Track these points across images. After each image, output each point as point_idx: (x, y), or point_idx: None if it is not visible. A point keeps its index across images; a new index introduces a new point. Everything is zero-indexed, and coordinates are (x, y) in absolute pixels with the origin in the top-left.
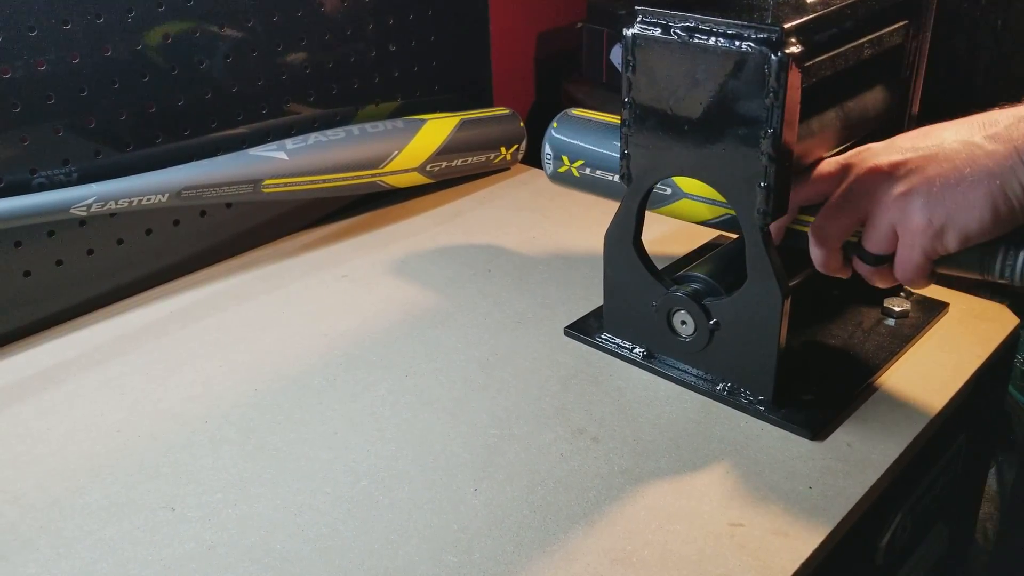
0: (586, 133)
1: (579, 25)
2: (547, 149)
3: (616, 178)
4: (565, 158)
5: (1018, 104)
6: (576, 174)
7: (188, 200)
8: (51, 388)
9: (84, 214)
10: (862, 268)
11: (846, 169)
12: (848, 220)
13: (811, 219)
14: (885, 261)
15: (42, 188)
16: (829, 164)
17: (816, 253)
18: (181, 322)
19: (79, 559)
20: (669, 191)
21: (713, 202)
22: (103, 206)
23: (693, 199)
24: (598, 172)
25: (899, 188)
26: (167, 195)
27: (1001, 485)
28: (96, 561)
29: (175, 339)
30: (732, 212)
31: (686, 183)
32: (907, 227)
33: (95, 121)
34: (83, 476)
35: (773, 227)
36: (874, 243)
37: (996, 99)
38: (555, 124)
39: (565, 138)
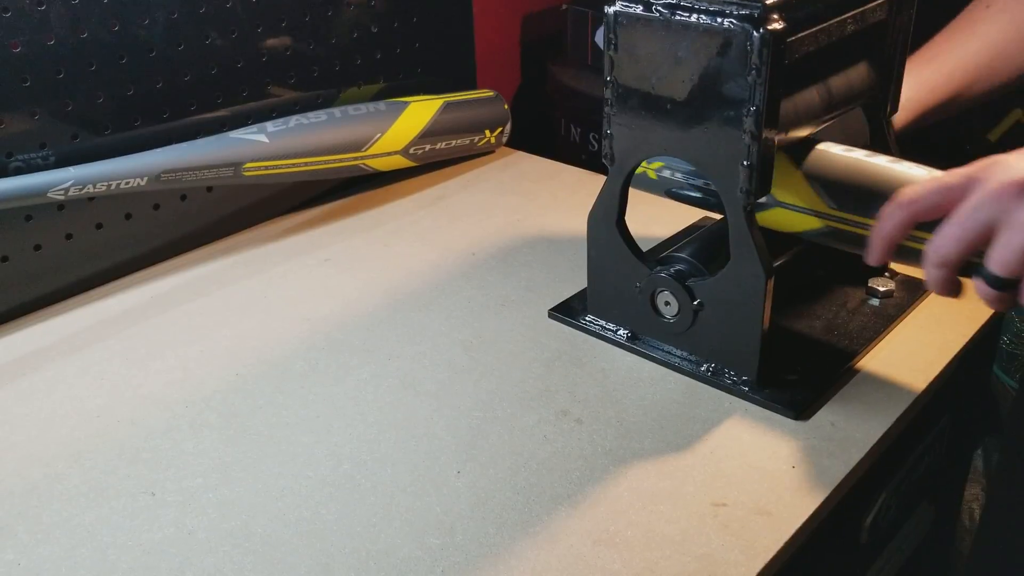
0: None
1: (564, 7)
2: None
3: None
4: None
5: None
6: (653, 176)
7: (168, 184)
8: (30, 374)
9: (62, 198)
10: (983, 291)
11: (972, 182)
12: (974, 239)
13: (927, 236)
14: (1012, 286)
15: (19, 172)
16: (952, 177)
17: (932, 273)
18: (161, 307)
19: (58, 545)
20: (764, 199)
21: (811, 212)
22: (81, 190)
23: (788, 208)
24: (679, 175)
25: None
26: (146, 178)
27: (987, 466)
28: (75, 547)
29: (155, 324)
30: (835, 224)
31: (781, 190)
32: None
33: (72, 104)
34: (62, 462)
35: (884, 242)
36: (1003, 266)
37: None
38: None
39: None
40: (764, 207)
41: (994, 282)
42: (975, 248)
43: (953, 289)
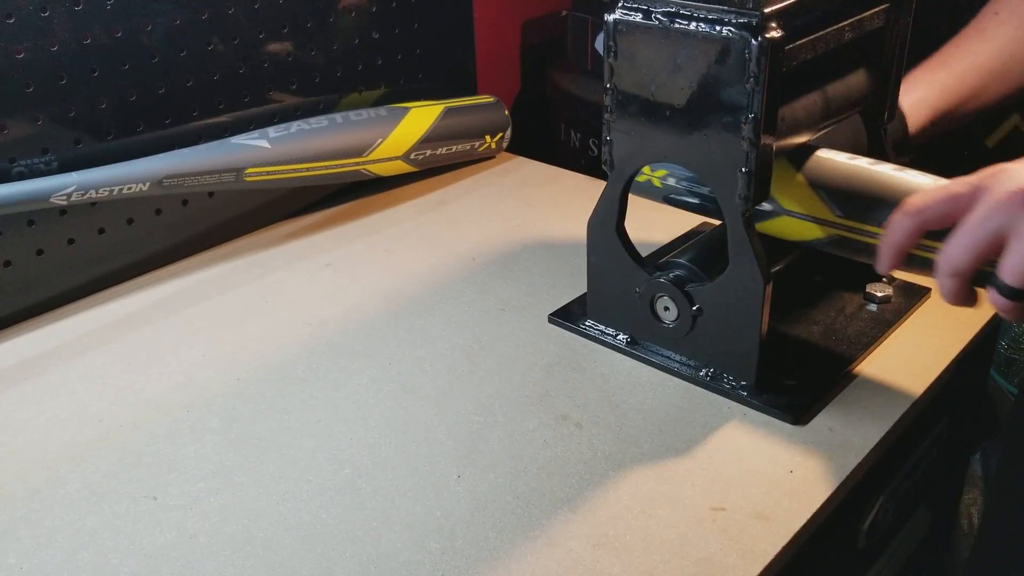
0: None
1: (564, 13)
2: None
3: (710, 191)
4: (646, 167)
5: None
6: (658, 184)
7: (170, 189)
8: (32, 378)
9: (65, 203)
10: (997, 301)
11: (979, 191)
12: (985, 249)
13: (937, 245)
14: None
15: (22, 177)
16: (959, 185)
17: (945, 283)
18: (163, 312)
19: (60, 549)
20: (769, 207)
21: (817, 220)
22: (84, 195)
23: (793, 216)
24: (684, 183)
25: None
26: (148, 184)
27: (986, 471)
28: (77, 551)
29: (157, 329)
30: (842, 233)
31: (786, 199)
32: None
33: (75, 109)
34: (64, 466)
35: (894, 251)
36: (1015, 276)
37: None
38: None
39: None
40: (770, 215)
41: (1007, 292)
42: (986, 258)
43: (967, 299)
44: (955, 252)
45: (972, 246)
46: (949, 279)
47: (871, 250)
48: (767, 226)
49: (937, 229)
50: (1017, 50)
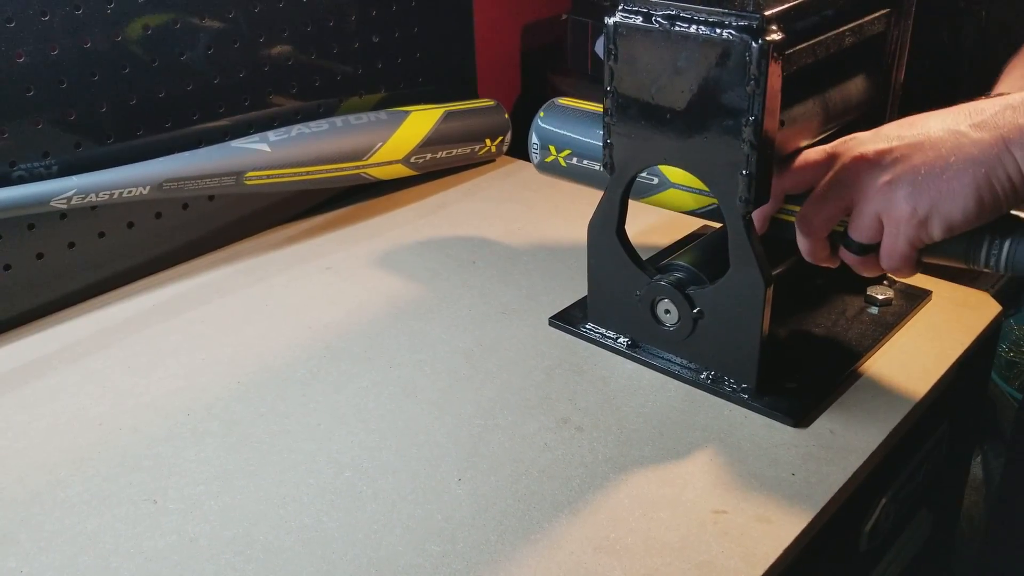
0: (573, 122)
1: (564, 17)
2: (533, 139)
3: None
4: (552, 148)
5: (1004, 93)
6: (563, 164)
7: (170, 192)
8: (32, 382)
9: (65, 207)
10: (848, 257)
11: (832, 158)
12: (834, 209)
13: (797, 208)
14: (871, 250)
15: (22, 181)
16: (815, 153)
17: (803, 242)
18: (163, 315)
19: (60, 552)
20: (656, 180)
21: (699, 191)
22: (84, 198)
23: (680, 188)
24: (586, 162)
25: (884, 177)
26: (148, 187)
27: (987, 473)
28: (77, 554)
29: (157, 332)
30: (715, 201)
31: (673, 172)
32: (892, 216)
33: (75, 113)
34: (64, 469)
35: (758, 216)
36: (860, 232)
37: (980, 89)
38: (542, 114)
39: (552, 128)
40: (658, 189)
41: (856, 248)
42: (836, 217)
43: (823, 257)
44: (809, 213)
45: (823, 207)
46: (805, 239)
47: None
48: (655, 200)
49: (796, 193)
50: None
